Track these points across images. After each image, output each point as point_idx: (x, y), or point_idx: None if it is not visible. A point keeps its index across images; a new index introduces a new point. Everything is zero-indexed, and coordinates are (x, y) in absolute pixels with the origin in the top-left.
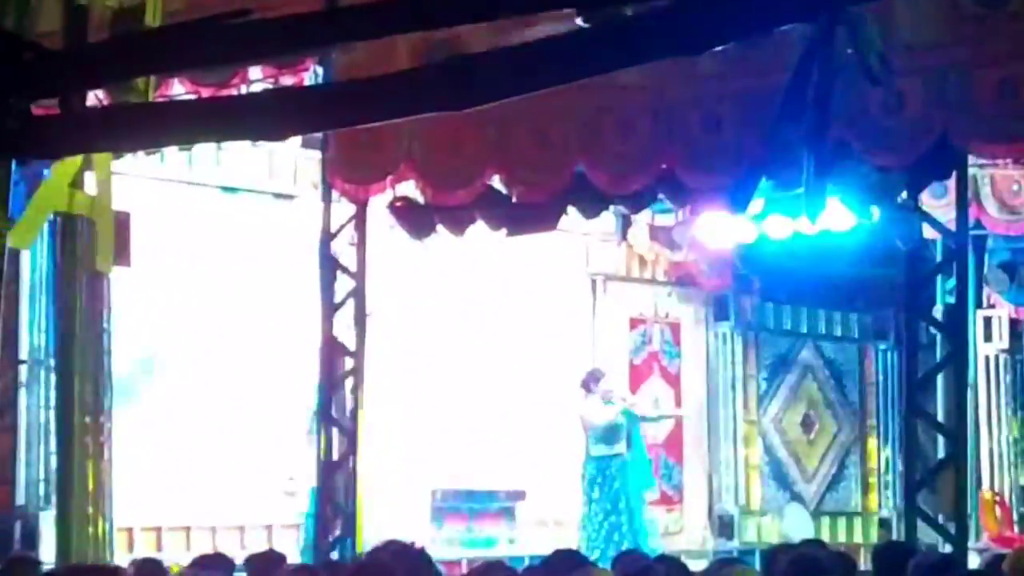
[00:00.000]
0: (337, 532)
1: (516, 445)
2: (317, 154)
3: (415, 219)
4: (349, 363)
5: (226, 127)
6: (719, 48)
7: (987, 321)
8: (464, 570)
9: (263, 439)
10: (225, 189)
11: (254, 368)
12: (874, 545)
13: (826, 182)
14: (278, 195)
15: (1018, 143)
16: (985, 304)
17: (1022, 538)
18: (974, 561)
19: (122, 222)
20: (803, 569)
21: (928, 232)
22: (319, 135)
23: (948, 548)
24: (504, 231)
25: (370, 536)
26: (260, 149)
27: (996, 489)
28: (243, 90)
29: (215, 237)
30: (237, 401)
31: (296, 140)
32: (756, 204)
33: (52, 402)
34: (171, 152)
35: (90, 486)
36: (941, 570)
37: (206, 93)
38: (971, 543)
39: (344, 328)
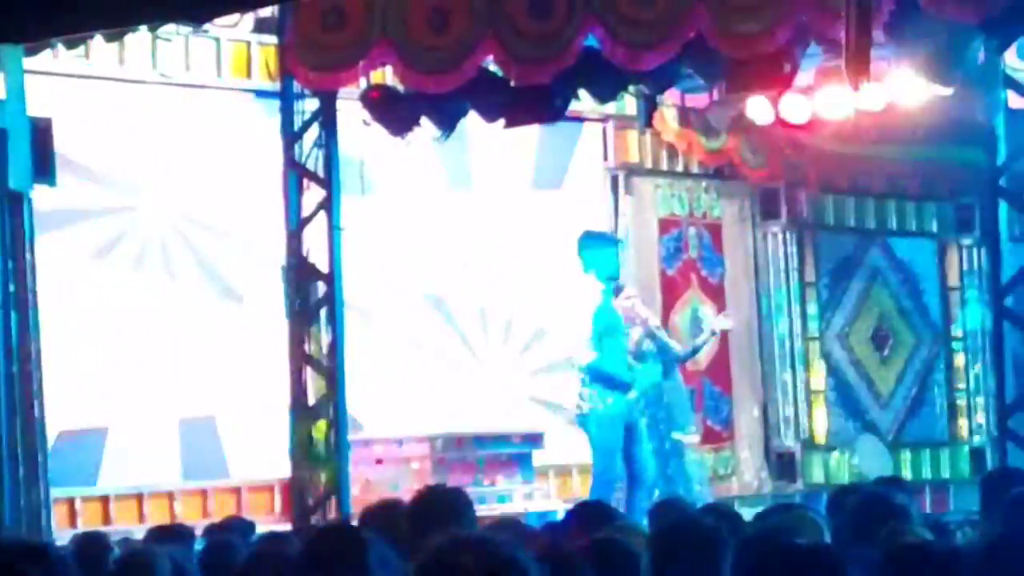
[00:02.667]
0: (319, 492)
1: (530, 380)
2: (274, 39)
3: (394, 112)
4: (322, 288)
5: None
6: None
7: None
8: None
9: (230, 383)
10: (166, 86)
11: (209, 300)
12: (986, 474)
13: (869, 37)
14: (229, 90)
15: None
16: None
17: None
18: None
19: (42, 130)
20: (872, 512)
21: (1015, 101)
22: (274, 15)
23: None
24: (502, 122)
25: (357, 495)
26: (205, 37)
27: None
28: None
29: (156, 144)
30: (189, 333)
31: (248, 24)
32: (808, 75)
33: None
34: (98, 44)
35: (19, 447)
36: None
37: None
38: None
39: (315, 246)
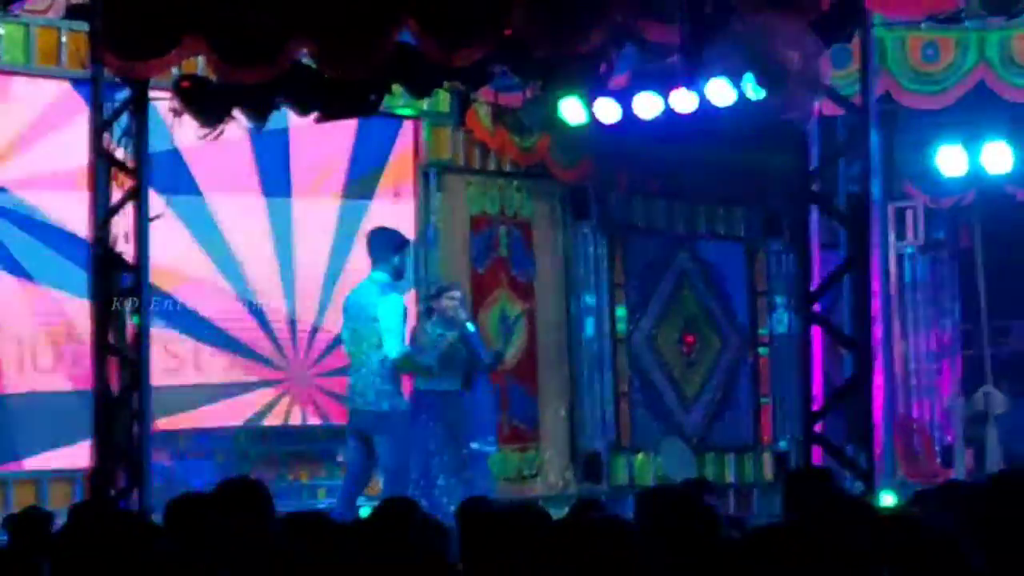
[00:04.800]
0: (121, 484)
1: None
2: (85, 26)
3: (205, 102)
4: (129, 279)
5: None
6: None
7: (900, 214)
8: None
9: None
10: None
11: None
12: (788, 473)
13: (705, 44)
14: (37, 75)
15: None
16: (898, 194)
17: (946, 472)
18: (889, 501)
19: None
20: (683, 513)
21: (828, 108)
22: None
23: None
24: (315, 115)
25: (159, 488)
26: (14, 22)
27: (915, 415)
28: None
29: None
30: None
31: (59, 9)
32: (621, 77)
33: None
34: None
35: None
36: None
37: None
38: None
39: (122, 237)
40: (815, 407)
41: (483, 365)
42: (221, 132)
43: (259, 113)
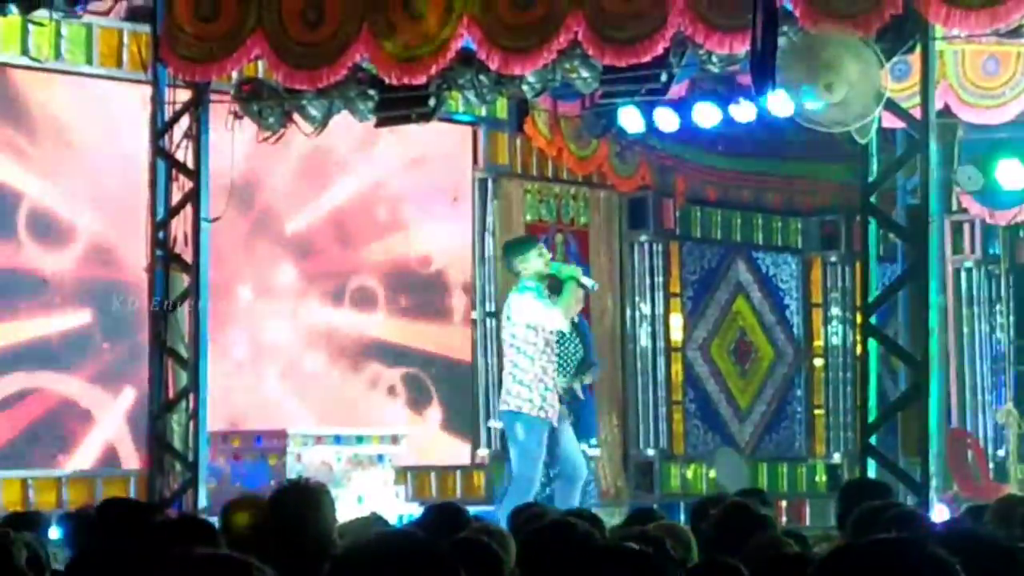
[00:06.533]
0: (176, 484)
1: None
2: (147, 28)
3: (266, 106)
4: (186, 280)
5: None
6: None
7: (956, 227)
8: None
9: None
10: (36, 70)
11: (75, 290)
12: (843, 485)
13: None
14: (100, 77)
15: (997, 6)
16: (955, 207)
17: (1000, 488)
18: (943, 515)
19: None
20: (739, 522)
21: (887, 120)
22: (147, 3)
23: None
24: (373, 120)
25: (214, 488)
26: (76, 23)
27: (968, 429)
28: None
29: (19, 130)
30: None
31: (120, 11)
32: (681, 85)
33: None
34: None
35: None
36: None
37: None
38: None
39: (181, 238)
40: (870, 419)
41: (594, 363)
42: (281, 135)
43: (318, 117)
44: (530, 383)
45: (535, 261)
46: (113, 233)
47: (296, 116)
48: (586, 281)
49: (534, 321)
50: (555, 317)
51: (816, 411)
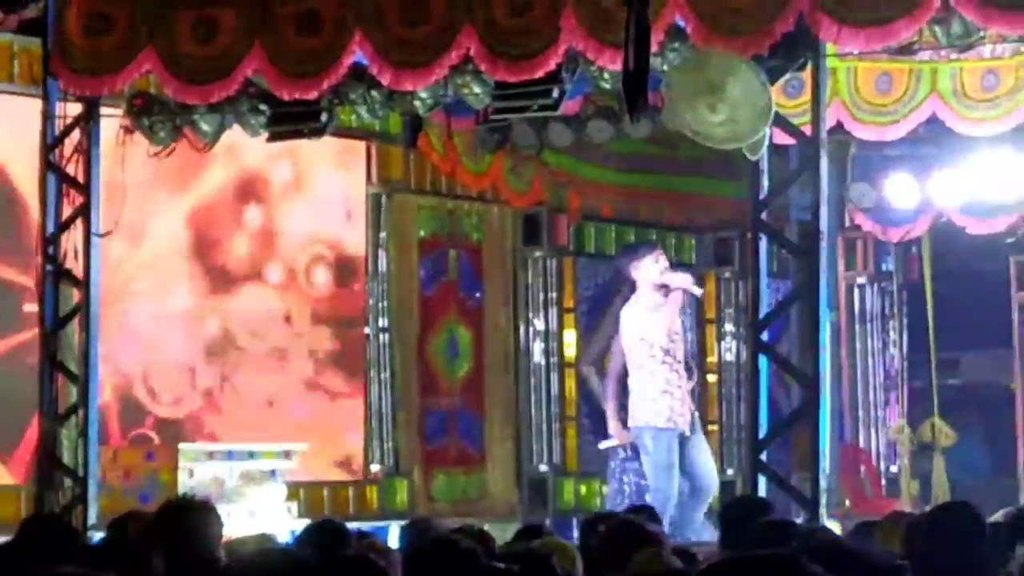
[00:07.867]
0: (66, 500)
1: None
2: (38, 41)
3: (157, 121)
4: (76, 295)
5: None
6: None
7: (850, 244)
8: None
9: None
10: None
11: None
12: (724, 503)
13: (647, 71)
14: None
15: (887, 24)
16: (848, 224)
17: (890, 503)
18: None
19: None
20: (626, 539)
21: (780, 137)
22: (38, 16)
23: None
24: (265, 135)
25: (104, 505)
26: None
27: (861, 445)
28: None
29: None
30: None
31: (10, 24)
32: (575, 102)
33: None
34: None
35: None
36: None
37: None
38: (830, 509)
39: (71, 254)
40: (761, 435)
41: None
42: (172, 150)
43: (211, 132)
44: (653, 396)
45: (649, 268)
46: None
47: (187, 131)
48: (695, 289)
49: (642, 334)
50: (658, 323)
51: (710, 427)
